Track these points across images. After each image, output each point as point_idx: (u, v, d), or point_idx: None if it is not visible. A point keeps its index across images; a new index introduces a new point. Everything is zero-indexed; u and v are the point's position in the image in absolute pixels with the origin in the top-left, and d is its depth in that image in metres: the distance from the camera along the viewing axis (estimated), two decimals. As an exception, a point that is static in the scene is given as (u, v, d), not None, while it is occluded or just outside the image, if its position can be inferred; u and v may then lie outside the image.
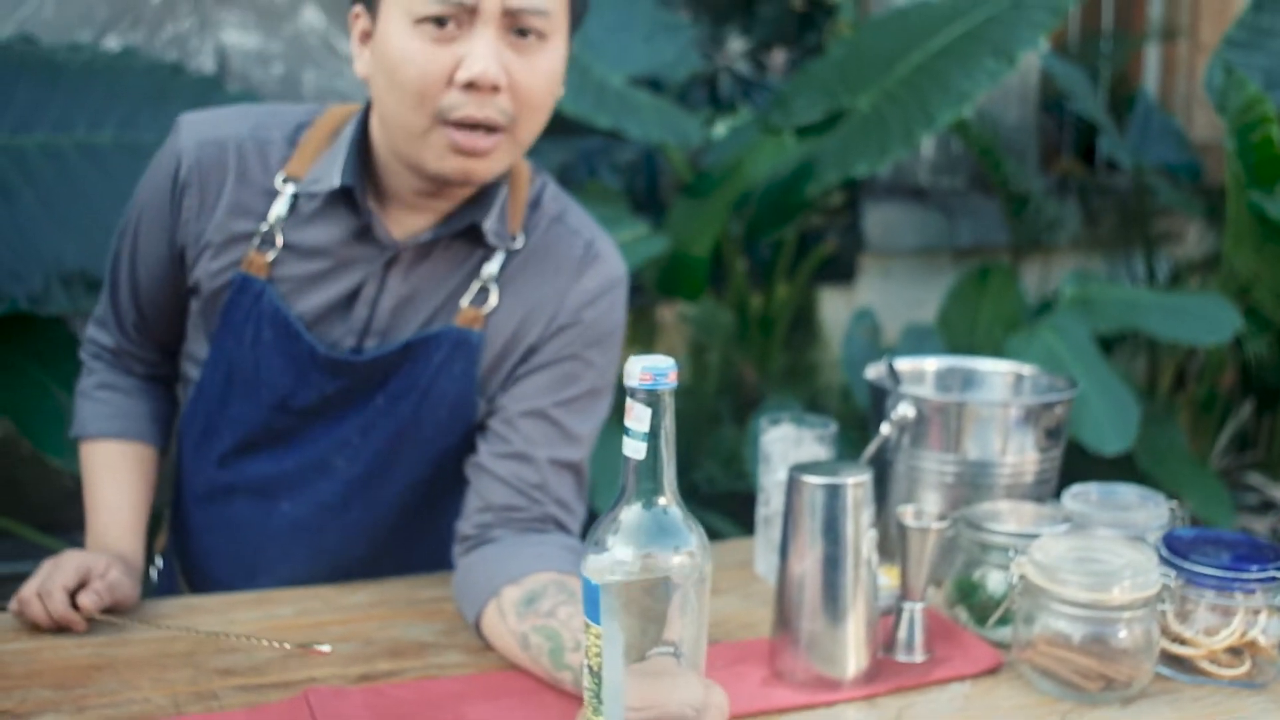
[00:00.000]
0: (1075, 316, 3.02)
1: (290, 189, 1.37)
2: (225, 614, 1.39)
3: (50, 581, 1.31)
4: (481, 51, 1.24)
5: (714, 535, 2.92)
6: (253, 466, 1.44)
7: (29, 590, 1.32)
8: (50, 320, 2.48)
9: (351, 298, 1.38)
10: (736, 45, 3.72)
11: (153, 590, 1.60)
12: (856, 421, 3.25)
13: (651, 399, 0.96)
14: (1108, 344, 3.56)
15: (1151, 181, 3.86)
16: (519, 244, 1.40)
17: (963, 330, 3.35)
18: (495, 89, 1.25)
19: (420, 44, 1.25)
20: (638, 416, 0.96)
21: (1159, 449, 3.28)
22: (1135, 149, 3.86)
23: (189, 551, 1.54)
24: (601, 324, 1.42)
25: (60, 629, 1.32)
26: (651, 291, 3.14)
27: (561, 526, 1.39)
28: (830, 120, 3.07)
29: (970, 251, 4.02)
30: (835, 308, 3.92)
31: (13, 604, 1.33)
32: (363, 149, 1.37)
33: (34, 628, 1.32)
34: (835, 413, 3.55)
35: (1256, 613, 1.27)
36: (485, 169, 1.30)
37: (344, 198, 1.36)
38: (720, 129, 3.41)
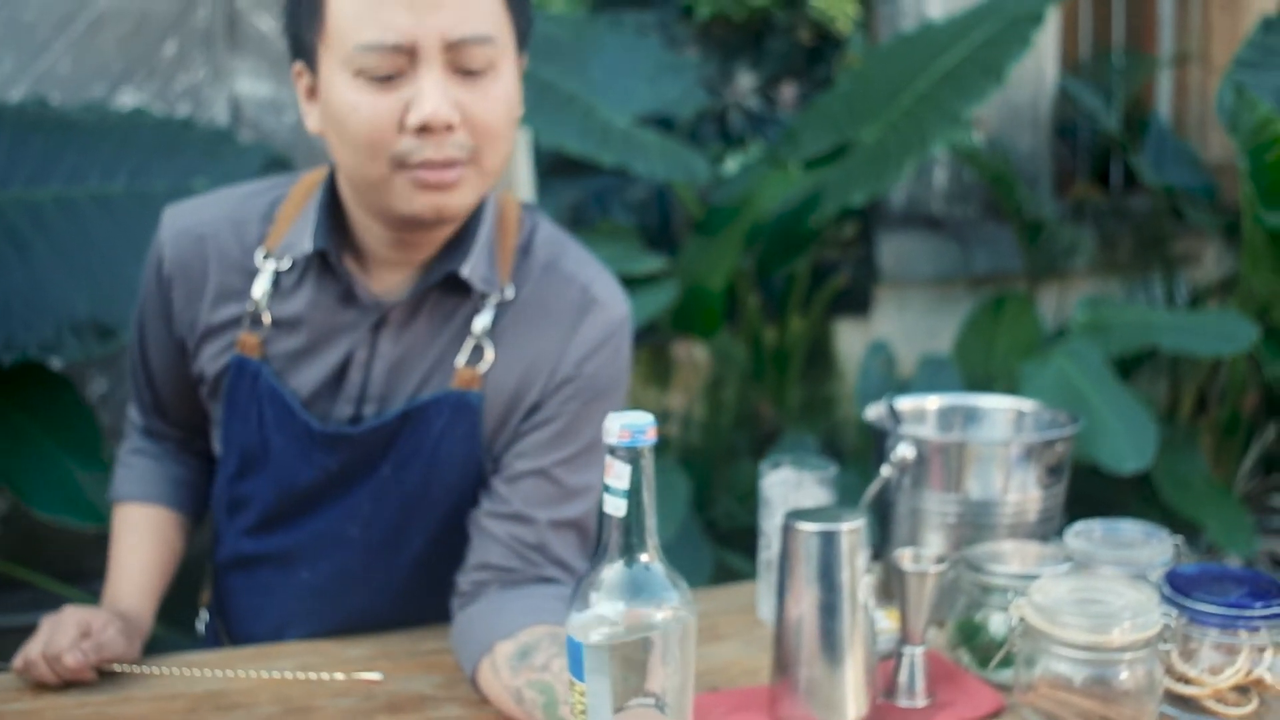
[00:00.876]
0: (1089, 341, 3.00)
1: (270, 264, 1.37)
2: (224, 666, 1.38)
3: (53, 644, 1.31)
4: (429, 92, 1.20)
5: (730, 574, 2.92)
6: (272, 539, 1.45)
7: (34, 651, 1.32)
8: (60, 382, 2.50)
9: (344, 366, 1.37)
10: (746, 80, 3.73)
11: (200, 643, 1.62)
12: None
13: (631, 455, 0.95)
14: (1126, 369, 3.53)
15: (1176, 202, 3.85)
16: (510, 295, 1.37)
17: (979, 360, 3.34)
18: (449, 128, 1.22)
19: (364, 95, 1.22)
20: (617, 474, 0.95)
21: (1180, 475, 3.25)
22: (1151, 173, 3.84)
23: (227, 610, 1.55)
24: (604, 375, 1.38)
25: (68, 685, 1.33)
26: (666, 329, 3.14)
27: (557, 585, 1.37)
28: (837, 153, 3.08)
29: (986, 280, 4.01)
30: (851, 340, 3.91)
31: (16, 663, 1.34)
32: (334, 209, 1.36)
33: (38, 686, 1.33)
34: (852, 446, 3.54)
35: (1262, 650, 1.26)
36: (456, 202, 1.26)
37: (322, 262, 1.35)
38: (731, 165, 3.42)
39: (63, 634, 1.32)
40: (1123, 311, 3.24)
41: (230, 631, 1.55)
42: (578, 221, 3.44)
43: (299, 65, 1.31)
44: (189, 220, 1.40)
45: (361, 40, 1.20)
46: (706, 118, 3.62)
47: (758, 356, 3.41)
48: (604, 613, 0.95)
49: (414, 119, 1.21)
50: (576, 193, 3.44)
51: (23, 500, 2.32)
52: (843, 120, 3.13)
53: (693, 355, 3.63)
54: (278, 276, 1.37)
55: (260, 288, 1.36)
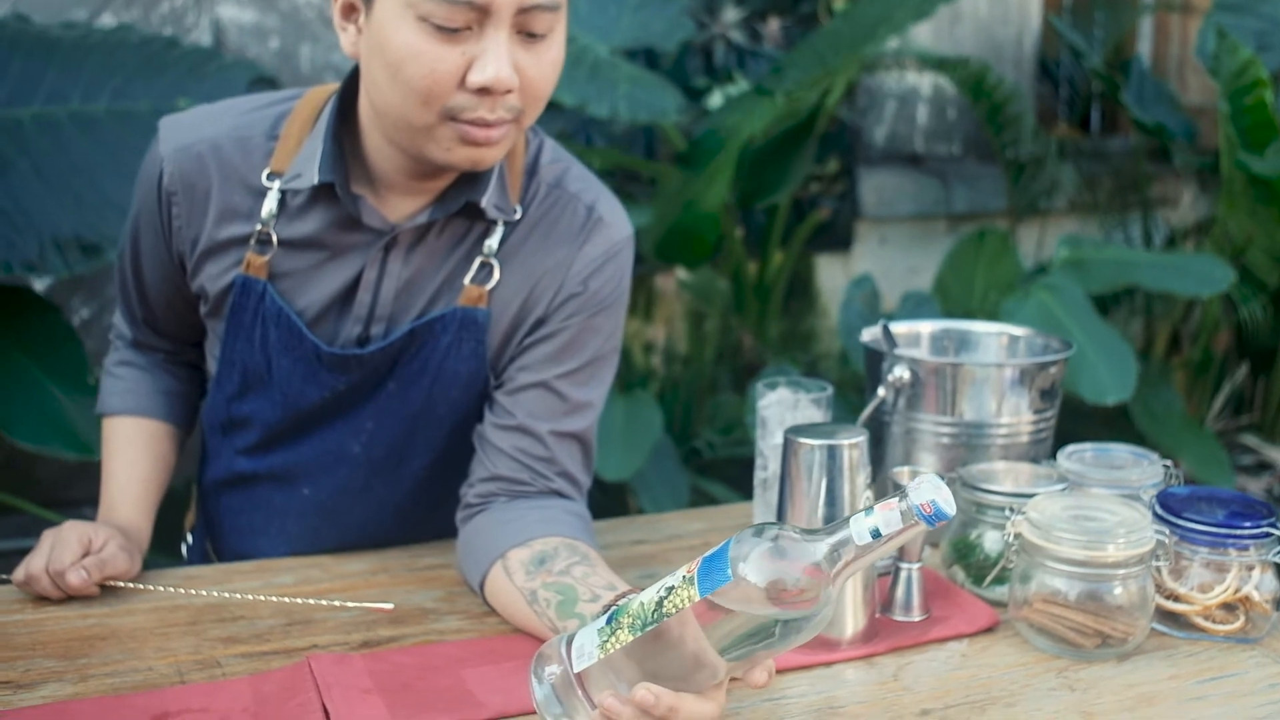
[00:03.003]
0: (1070, 277, 3.03)
1: (276, 185, 1.34)
2: (224, 582, 1.40)
3: (56, 560, 1.32)
4: (495, 55, 1.18)
5: (713, 502, 2.95)
6: (272, 457, 1.45)
7: (36, 565, 1.32)
8: (45, 306, 2.49)
9: (353, 286, 1.36)
10: (731, 14, 3.71)
11: (184, 564, 1.62)
12: (854, 387, 3.27)
13: (918, 523, 0.95)
14: (1104, 307, 3.57)
15: (1159, 142, 3.87)
16: (518, 215, 1.36)
17: (960, 296, 3.36)
18: (509, 92, 1.21)
19: (427, 42, 1.18)
20: (891, 522, 0.95)
21: (1155, 411, 3.30)
22: (1136, 112, 3.86)
23: (218, 530, 1.55)
24: (607, 290, 1.38)
25: (69, 598, 1.33)
26: (650, 258, 3.14)
27: (566, 499, 1.39)
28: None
29: (966, 217, 4.02)
30: (832, 275, 3.93)
31: (17, 575, 1.34)
32: (343, 135, 1.33)
33: (39, 599, 1.33)
34: (833, 378, 3.57)
35: (1250, 569, 1.29)
36: (493, 156, 1.26)
37: (329, 188, 1.33)
38: (716, 98, 3.41)
39: (65, 550, 1.32)
40: (1103, 250, 3.26)
41: (221, 551, 1.55)
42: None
43: None
44: (191, 135, 1.36)
45: None
46: (692, 51, 3.60)
47: (739, 289, 3.42)
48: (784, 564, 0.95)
49: (477, 79, 1.18)
50: (561, 123, 3.42)
51: (6, 432, 2.31)
52: (829, 57, 3.12)
53: (675, 286, 3.64)
54: (284, 196, 1.35)
55: (268, 209, 1.35)
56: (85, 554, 1.33)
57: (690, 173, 3.01)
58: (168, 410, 1.54)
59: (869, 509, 0.96)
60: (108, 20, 2.99)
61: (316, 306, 1.37)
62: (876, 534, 0.95)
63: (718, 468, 3.21)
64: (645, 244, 3.04)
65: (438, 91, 1.19)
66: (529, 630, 1.26)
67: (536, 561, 1.26)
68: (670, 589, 0.98)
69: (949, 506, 0.93)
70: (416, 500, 1.46)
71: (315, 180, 1.30)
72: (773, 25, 3.75)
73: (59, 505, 2.80)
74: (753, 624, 0.95)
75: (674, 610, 0.96)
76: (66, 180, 2.38)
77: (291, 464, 1.44)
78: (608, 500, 3.06)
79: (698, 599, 0.95)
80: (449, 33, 1.17)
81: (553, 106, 3.26)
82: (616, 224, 1.40)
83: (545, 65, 1.24)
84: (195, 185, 1.36)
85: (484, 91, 1.20)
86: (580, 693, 1.00)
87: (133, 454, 1.50)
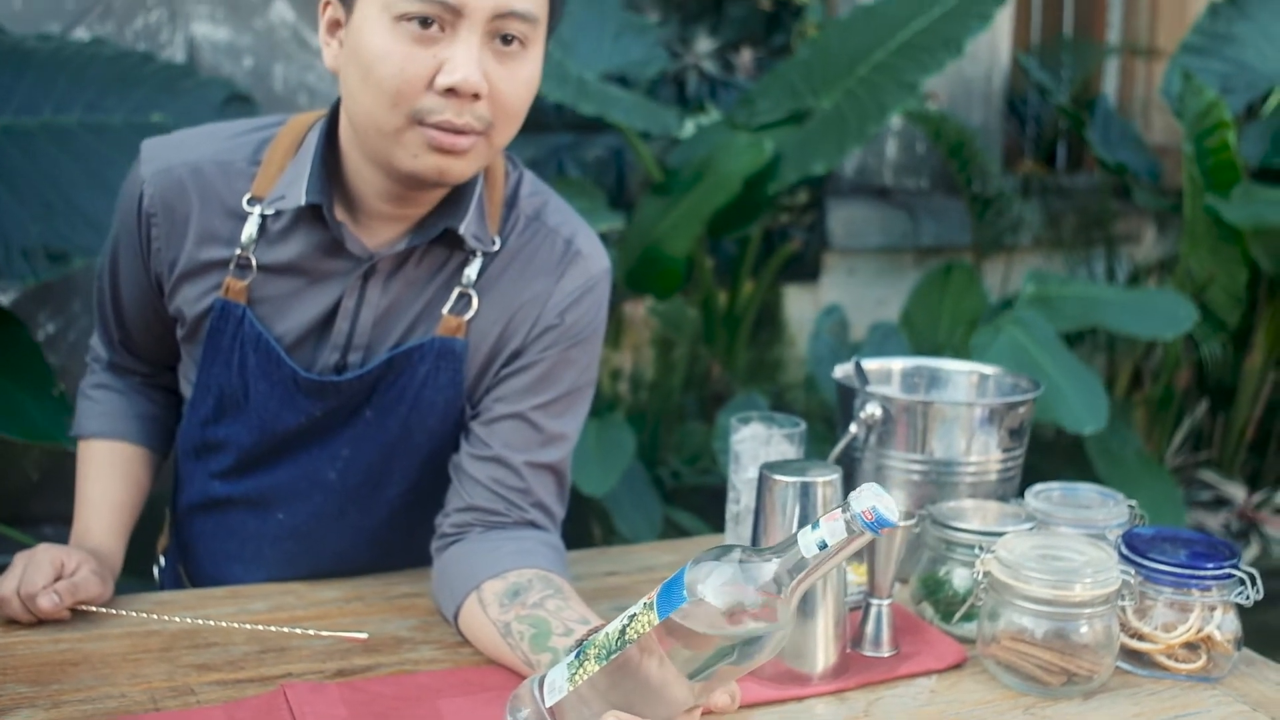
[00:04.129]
0: (1038, 313, 3.07)
1: (257, 210, 1.35)
2: (197, 608, 1.39)
3: (28, 583, 1.31)
4: (464, 58, 1.21)
5: (681, 532, 2.96)
6: (247, 481, 1.45)
7: (7, 588, 1.32)
8: (13, 324, 2.47)
9: (331, 313, 1.36)
10: (705, 45, 3.74)
11: (156, 588, 1.62)
12: (821, 416, 3.29)
13: (860, 531, 0.96)
14: (1068, 343, 3.61)
15: (1122, 181, 3.93)
16: (496, 246, 1.38)
17: (926, 328, 3.39)
18: (476, 97, 1.22)
19: (399, 43, 1.21)
20: (835, 532, 0.96)
21: (1112, 448, 3.34)
22: (1100, 151, 3.92)
23: (191, 555, 1.54)
24: (584, 323, 1.40)
25: (40, 622, 1.33)
26: (620, 287, 3.16)
27: (541, 530, 1.40)
28: (793, 119, 3.11)
29: (933, 251, 4.07)
30: (800, 305, 3.96)
31: None
32: (328, 159, 1.34)
33: (9, 622, 1.33)
34: (800, 408, 3.59)
35: (1212, 609, 1.31)
36: (460, 169, 1.27)
37: (312, 212, 1.34)
38: (689, 128, 3.44)
39: (37, 573, 1.32)
40: (1068, 286, 3.31)
41: (195, 575, 1.55)
42: (534, 178, 3.44)
43: None
44: (173, 158, 1.37)
45: None
46: (664, 81, 3.63)
47: (709, 318, 3.44)
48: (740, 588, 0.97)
49: (445, 80, 1.21)
50: (532, 150, 3.44)
51: None
52: (801, 88, 3.16)
53: (645, 314, 3.65)
54: (264, 222, 1.35)
55: (248, 233, 1.35)
56: (57, 577, 1.33)
57: (664, 201, 3.03)
58: (143, 434, 1.54)
59: (815, 523, 0.97)
60: (82, 34, 2.98)
61: (295, 332, 1.37)
62: (823, 545, 0.96)
63: (684, 495, 3.22)
64: (616, 273, 3.06)
65: (407, 92, 1.21)
66: (503, 662, 1.26)
67: (510, 594, 1.27)
68: (632, 616, 0.99)
69: (890, 513, 0.95)
70: (392, 528, 1.47)
71: (302, 201, 1.31)
72: (745, 56, 3.79)
73: (20, 523, 2.78)
74: (713, 645, 0.97)
75: (635, 636, 0.98)
76: (36, 189, 2.37)
77: (266, 489, 1.44)
78: (582, 521, 3.07)
79: (657, 622, 0.97)
80: (422, 33, 1.20)
81: (539, 126, 3.29)
82: (594, 257, 1.41)
83: (518, 81, 1.26)
84: (175, 208, 1.36)
85: (451, 93, 1.21)
86: None
87: (107, 477, 1.50)
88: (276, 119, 1.42)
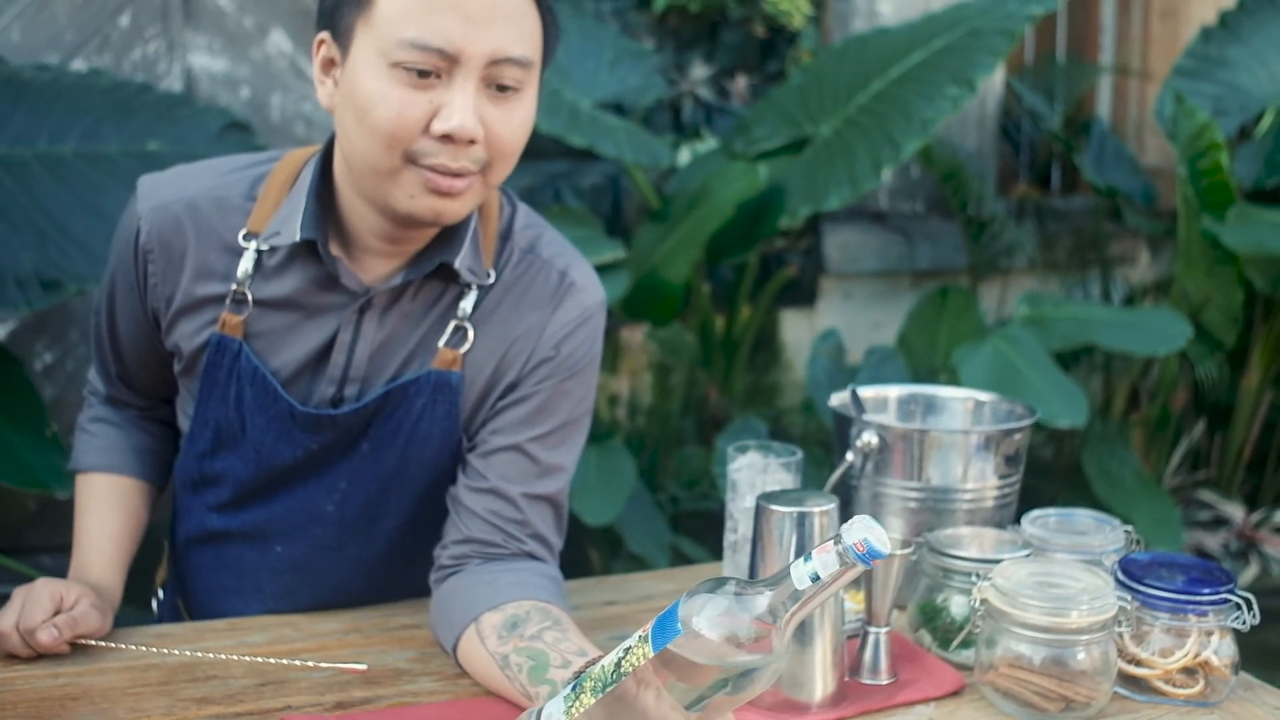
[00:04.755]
0: (1028, 331, 3.08)
1: (253, 245, 1.35)
2: (196, 640, 1.40)
3: (28, 618, 1.31)
4: (460, 104, 1.21)
5: (680, 558, 2.96)
6: (244, 515, 1.45)
7: (7, 623, 1.32)
8: (8, 361, 2.48)
9: (327, 347, 1.37)
10: (700, 71, 3.76)
11: (154, 620, 1.62)
12: (819, 441, 3.30)
13: (853, 563, 0.96)
14: (1064, 365, 3.62)
15: (1116, 203, 3.95)
16: (491, 279, 1.38)
17: (923, 351, 3.40)
18: (471, 142, 1.23)
19: (395, 87, 1.21)
20: (827, 565, 0.96)
21: (1110, 470, 3.34)
22: (1093, 174, 3.94)
23: (190, 587, 1.55)
24: (579, 355, 1.40)
25: (39, 656, 1.33)
26: (618, 314, 3.17)
27: (539, 561, 1.40)
28: (791, 146, 3.12)
29: (929, 274, 4.08)
30: (797, 329, 3.97)
31: None
32: (323, 194, 1.35)
33: (8, 657, 1.33)
34: (798, 432, 3.60)
35: (1209, 634, 1.31)
36: (456, 210, 1.28)
37: (308, 248, 1.34)
38: (684, 155, 3.45)
39: (36, 607, 1.32)
40: (1062, 307, 3.32)
41: (193, 608, 1.55)
42: (529, 206, 3.46)
43: (324, 34, 1.29)
44: (170, 194, 1.38)
45: (409, 36, 1.19)
46: (660, 107, 3.65)
47: (706, 343, 3.45)
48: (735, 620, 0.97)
49: (440, 127, 1.22)
50: (529, 178, 3.46)
51: None
52: (797, 115, 3.18)
53: (643, 340, 3.66)
54: (260, 257, 1.36)
55: (243, 269, 1.36)
56: (57, 611, 1.33)
57: (662, 228, 3.05)
58: (140, 467, 1.55)
59: (807, 555, 0.98)
60: (80, 65, 3.00)
61: (291, 367, 1.38)
62: (816, 578, 0.97)
63: (683, 521, 3.22)
64: (613, 302, 3.07)
65: (402, 135, 1.22)
66: (502, 694, 1.27)
67: (509, 626, 1.27)
68: (628, 649, 1.00)
69: (882, 545, 0.95)
70: (390, 559, 1.47)
71: (297, 237, 1.32)
72: (740, 83, 3.81)
73: (17, 553, 2.78)
74: (709, 677, 0.97)
75: (630, 669, 0.98)
76: (29, 218, 2.38)
77: (264, 522, 1.45)
78: (580, 550, 3.07)
79: (652, 655, 0.97)
80: (418, 79, 1.21)
81: (535, 154, 3.30)
82: (589, 289, 1.42)
83: (514, 123, 1.27)
84: (171, 244, 1.37)
85: (447, 139, 1.22)
86: None
87: (105, 511, 1.50)
88: (272, 154, 1.43)
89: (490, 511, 1.38)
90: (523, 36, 1.24)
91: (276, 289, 1.36)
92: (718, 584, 1.00)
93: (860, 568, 0.96)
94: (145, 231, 1.38)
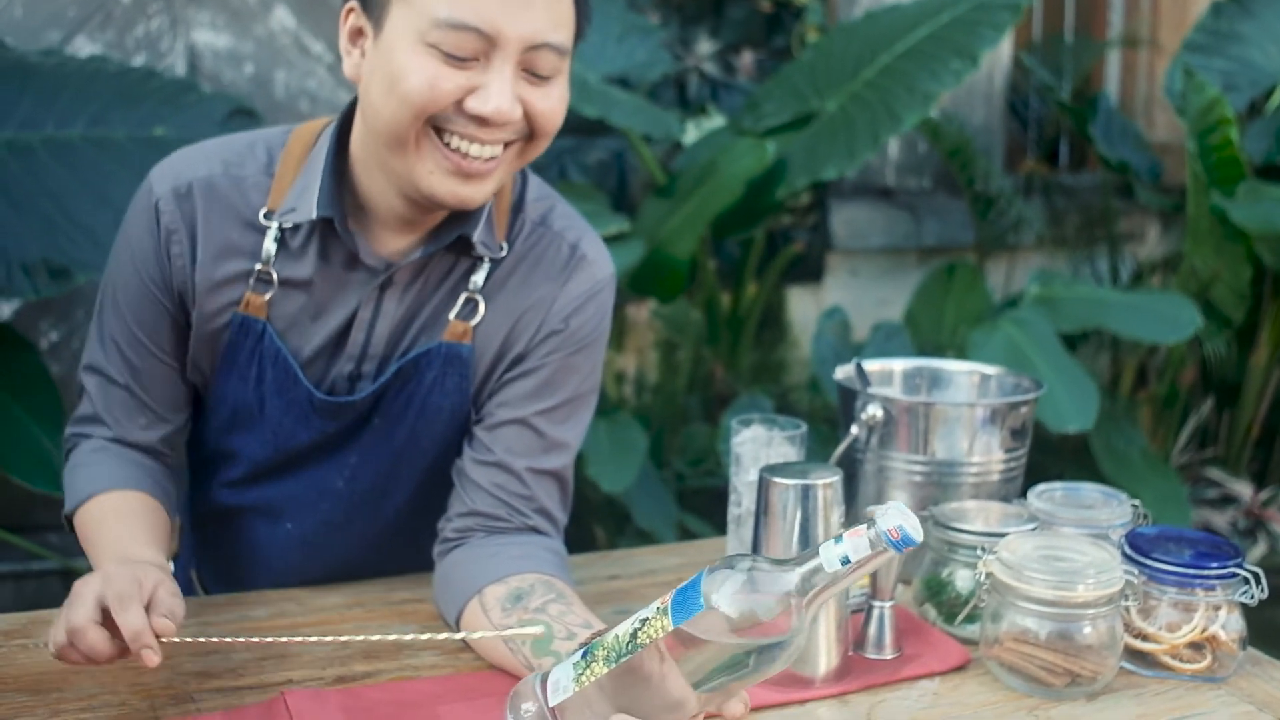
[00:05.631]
0: (1039, 313, 3.07)
1: (274, 223, 1.33)
2: (198, 615, 1.39)
3: (128, 612, 1.10)
4: (499, 88, 1.19)
5: (687, 534, 2.95)
6: (256, 491, 1.44)
7: (83, 618, 1.09)
8: (24, 348, 2.48)
9: (348, 325, 1.35)
10: (705, 47, 3.74)
11: None
12: (825, 418, 3.28)
13: (885, 548, 0.96)
14: (1072, 343, 3.61)
15: (1124, 179, 3.93)
16: (504, 252, 1.36)
17: (930, 328, 3.39)
18: (506, 125, 1.21)
19: (430, 62, 1.18)
20: (858, 548, 0.96)
21: (1117, 447, 3.33)
22: (1102, 149, 3.92)
23: (201, 560, 1.53)
24: (588, 329, 1.39)
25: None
26: (624, 290, 3.16)
27: (544, 535, 1.39)
28: (799, 122, 3.11)
29: (936, 251, 4.06)
30: (803, 306, 3.95)
31: (56, 639, 1.12)
32: (339, 169, 1.32)
33: (7, 631, 1.32)
34: (804, 409, 3.59)
35: (1217, 608, 1.30)
36: (480, 194, 1.25)
37: (326, 225, 1.32)
38: (690, 130, 3.44)
39: (133, 612, 1.09)
40: (1072, 287, 3.30)
41: (205, 583, 1.55)
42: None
43: (354, 4, 1.26)
44: (186, 174, 1.34)
45: (447, 15, 1.17)
46: (666, 83, 3.63)
47: (712, 320, 3.44)
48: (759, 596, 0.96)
49: (477, 107, 1.19)
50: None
51: (9, 473, 2.29)
52: (806, 90, 3.16)
53: (649, 316, 3.65)
54: (283, 235, 1.33)
55: (267, 248, 1.33)
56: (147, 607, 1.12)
57: (669, 204, 3.03)
58: (158, 492, 1.39)
59: (838, 537, 0.97)
60: (82, 43, 2.99)
61: (312, 346, 1.36)
62: (846, 561, 0.96)
63: (689, 498, 3.22)
64: (619, 276, 3.06)
65: (432, 108, 1.19)
66: (504, 667, 1.26)
67: (513, 598, 1.26)
68: (644, 620, 0.98)
69: (916, 533, 0.95)
70: (397, 534, 1.47)
71: (313, 214, 1.30)
72: (746, 58, 3.79)
73: (23, 531, 2.78)
74: (726, 654, 0.96)
75: (648, 640, 0.97)
76: (36, 205, 2.37)
77: (275, 499, 1.44)
78: (585, 525, 3.06)
79: (671, 629, 0.96)
80: (457, 60, 1.18)
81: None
82: (599, 263, 1.40)
83: (554, 99, 1.24)
84: (195, 223, 1.34)
85: (481, 121, 1.20)
86: None
87: (131, 522, 1.32)
88: (282, 129, 1.40)
89: (495, 485, 1.37)
90: (560, 21, 1.22)
91: (300, 269, 1.33)
92: (740, 560, 0.98)
93: (891, 553, 0.95)
94: (167, 214, 1.33)
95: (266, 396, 1.37)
